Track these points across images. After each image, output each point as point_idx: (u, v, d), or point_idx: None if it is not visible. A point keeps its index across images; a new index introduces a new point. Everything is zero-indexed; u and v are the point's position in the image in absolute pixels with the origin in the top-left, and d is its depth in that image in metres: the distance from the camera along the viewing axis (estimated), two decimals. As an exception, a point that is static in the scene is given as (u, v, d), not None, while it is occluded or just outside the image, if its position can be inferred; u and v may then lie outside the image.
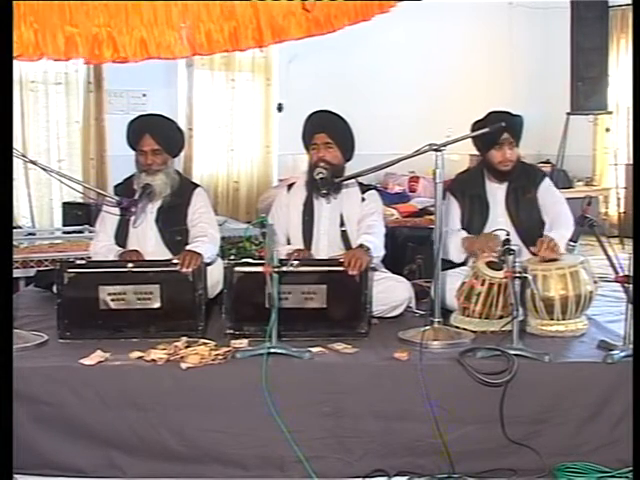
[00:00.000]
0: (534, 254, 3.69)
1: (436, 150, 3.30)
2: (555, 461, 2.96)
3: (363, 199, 3.87)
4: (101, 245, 3.84)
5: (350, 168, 3.86)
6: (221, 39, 4.43)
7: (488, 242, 3.63)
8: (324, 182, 3.73)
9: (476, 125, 3.80)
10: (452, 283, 3.63)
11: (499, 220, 3.88)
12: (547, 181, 4.01)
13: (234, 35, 4.44)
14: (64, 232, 6.09)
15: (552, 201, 3.94)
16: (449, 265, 3.80)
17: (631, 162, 7.59)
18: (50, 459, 2.95)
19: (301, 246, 3.80)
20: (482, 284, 3.43)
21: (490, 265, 3.44)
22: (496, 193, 3.96)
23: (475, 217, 3.94)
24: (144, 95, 7.81)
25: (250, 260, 3.51)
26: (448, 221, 3.87)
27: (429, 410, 2.92)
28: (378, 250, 3.66)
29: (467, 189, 4.00)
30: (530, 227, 3.87)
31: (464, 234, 3.89)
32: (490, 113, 3.87)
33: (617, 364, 3.02)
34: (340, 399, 2.99)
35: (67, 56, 4.30)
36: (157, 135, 3.76)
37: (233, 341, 3.23)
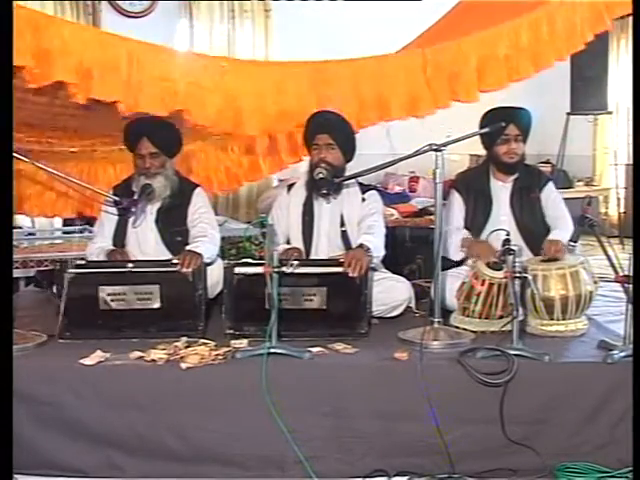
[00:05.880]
0: (535, 254, 3.69)
1: (436, 150, 3.31)
2: (555, 461, 2.95)
3: (363, 199, 3.87)
4: (96, 247, 3.84)
5: (350, 168, 3.86)
6: None
7: (486, 252, 3.61)
8: (324, 182, 3.73)
9: (486, 116, 3.84)
10: (452, 283, 3.63)
11: (502, 219, 3.88)
12: (551, 185, 4.03)
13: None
14: (64, 232, 6.06)
15: (554, 205, 3.96)
16: (449, 264, 3.80)
17: (631, 162, 7.57)
18: (50, 459, 2.95)
19: (301, 246, 3.80)
20: (482, 284, 3.43)
21: (490, 265, 3.44)
22: (501, 191, 3.96)
23: (478, 214, 3.94)
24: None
25: (250, 260, 3.51)
26: (450, 218, 3.88)
27: (429, 411, 2.92)
28: (378, 250, 3.66)
29: (472, 185, 4.01)
30: (532, 227, 3.88)
31: (465, 233, 3.89)
32: (498, 108, 3.89)
33: (617, 364, 3.02)
34: (340, 399, 2.99)
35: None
36: (155, 138, 3.74)
37: (233, 341, 3.23)
